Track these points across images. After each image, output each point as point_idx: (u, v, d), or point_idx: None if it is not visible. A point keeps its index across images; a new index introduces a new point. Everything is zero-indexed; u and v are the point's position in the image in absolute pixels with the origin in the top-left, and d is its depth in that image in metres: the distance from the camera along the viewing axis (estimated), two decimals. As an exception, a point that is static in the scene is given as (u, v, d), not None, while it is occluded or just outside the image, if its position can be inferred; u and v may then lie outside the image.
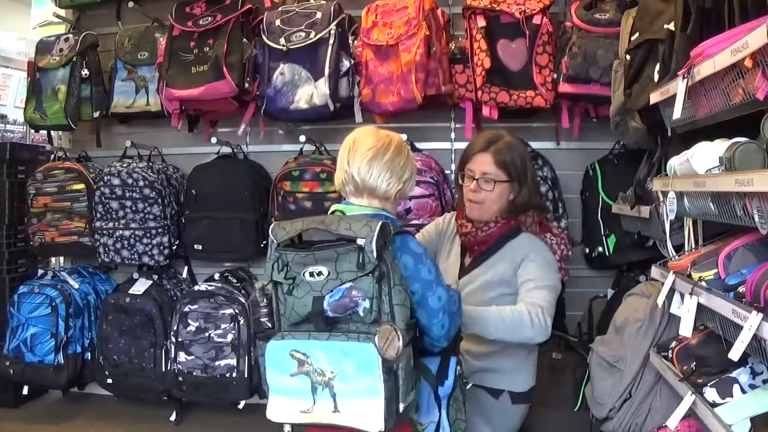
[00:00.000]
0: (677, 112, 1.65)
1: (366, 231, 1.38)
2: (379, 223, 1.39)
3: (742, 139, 1.41)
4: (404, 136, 2.82)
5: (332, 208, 1.62)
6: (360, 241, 1.37)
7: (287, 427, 1.49)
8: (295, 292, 1.44)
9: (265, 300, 1.51)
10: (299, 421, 1.46)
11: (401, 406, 1.40)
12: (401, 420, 1.42)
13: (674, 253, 1.90)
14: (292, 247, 1.47)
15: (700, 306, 1.54)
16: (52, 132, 3.41)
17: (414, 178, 1.67)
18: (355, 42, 2.81)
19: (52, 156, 3.37)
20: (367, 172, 1.57)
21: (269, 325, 1.53)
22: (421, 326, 1.52)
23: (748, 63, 1.25)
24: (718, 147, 1.52)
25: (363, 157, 1.58)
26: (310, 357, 1.40)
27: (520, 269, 1.93)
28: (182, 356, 2.86)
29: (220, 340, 2.83)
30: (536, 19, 2.58)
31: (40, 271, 3.28)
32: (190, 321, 2.87)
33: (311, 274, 1.42)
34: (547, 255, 1.95)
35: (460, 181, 2.04)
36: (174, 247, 3.09)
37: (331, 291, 1.40)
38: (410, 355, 1.43)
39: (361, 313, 1.39)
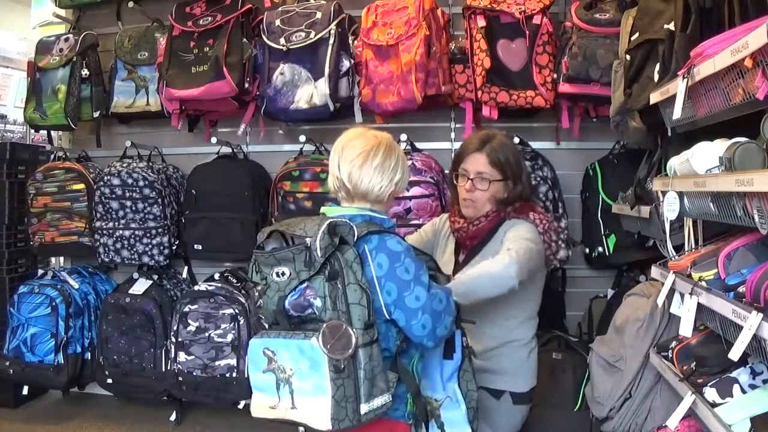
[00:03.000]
0: (677, 112, 1.65)
1: (314, 230, 1.40)
2: (327, 222, 1.41)
3: (742, 139, 1.41)
4: (404, 136, 2.86)
5: (321, 211, 1.63)
6: (307, 240, 1.40)
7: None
8: (268, 292, 1.48)
9: (260, 301, 1.53)
10: (269, 417, 1.49)
11: (363, 408, 1.38)
12: (364, 422, 1.39)
13: (674, 253, 1.90)
14: (260, 249, 1.53)
15: (700, 306, 1.54)
16: (52, 132, 3.42)
17: (406, 176, 1.64)
18: (355, 42, 2.81)
19: (52, 156, 3.37)
20: (358, 178, 1.56)
21: (266, 325, 1.56)
22: (400, 327, 1.49)
23: (748, 63, 1.25)
24: (718, 147, 1.52)
25: (353, 163, 1.56)
26: (276, 354, 1.43)
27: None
28: (182, 356, 2.86)
29: (220, 340, 2.83)
30: (536, 19, 2.58)
31: (40, 271, 3.29)
32: (190, 321, 2.87)
33: (277, 275, 1.46)
34: (527, 225, 1.91)
35: (454, 181, 2.04)
36: (174, 247, 3.09)
37: (293, 290, 1.43)
38: (374, 354, 1.40)
39: (316, 312, 1.41)
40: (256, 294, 1.53)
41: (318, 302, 1.40)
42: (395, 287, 1.47)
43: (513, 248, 1.74)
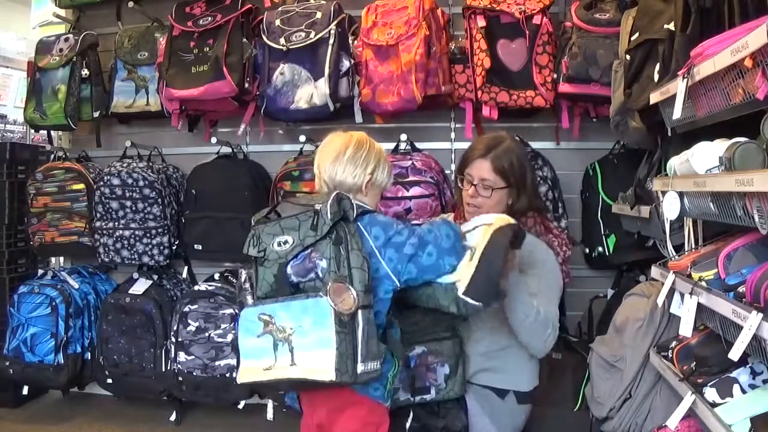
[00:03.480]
0: (677, 112, 1.65)
1: (323, 199, 1.57)
2: (335, 193, 1.58)
3: (742, 139, 1.41)
4: (404, 136, 2.86)
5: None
6: (317, 206, 1.56)
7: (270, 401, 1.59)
8: (265, 263, 1.58)
9: (248, 283, 1.62)
10: (263, 379, 1.55)
11: (360, 367, 1.47)
12: (359, 381, 1.48)
13: (674, 253, 1.90)
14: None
15: (700, 306, 1.54)
16: (52, 132, 3.41)
17: (384, 168, 1.76)
18: (355, 42, 2.81)
19: (52, 156, 3.37)
20: (333, 171, 1.72)
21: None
22: (412, 280, 1.61)
23: (748, 63, 1.25)
24: (718, 147, 1.52)
25: (327, 160, 1.73)
26: (274, 317, 1.52)
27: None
28: (182, 356, 2.86)
29: (220, 340, 2.83)
30: (536, 19, 2.58)
31: (40, 271, 3.28)
32: (190, 321, 2.87)
33: (278, 244, 1.57)
34: (552, 267, 1.95)
35: (459, 185, 2.04)
36: (174, 247, 3.09)
37: (295, 257, 1.54)
38: (370, 319, 1.50)
39: (320, 274, 1.51)
40: (243, 274, 1.62)
41: (323, 263, 1.51)
42: (394, 252, 1.59)
43: (546, 310, 1.84)
